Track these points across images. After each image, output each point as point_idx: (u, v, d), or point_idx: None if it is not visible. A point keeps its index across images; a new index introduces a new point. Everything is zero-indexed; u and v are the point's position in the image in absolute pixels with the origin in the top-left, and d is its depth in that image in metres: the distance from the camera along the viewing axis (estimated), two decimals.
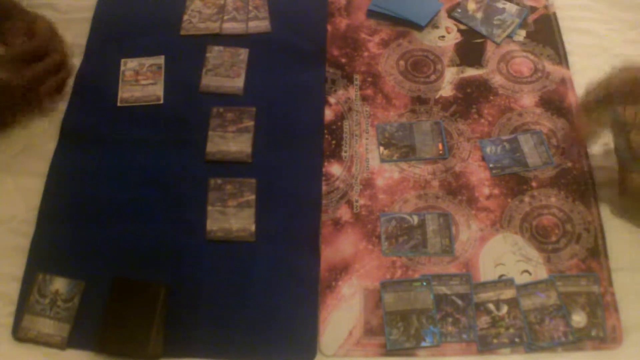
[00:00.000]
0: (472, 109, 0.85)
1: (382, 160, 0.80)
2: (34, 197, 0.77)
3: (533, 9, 0.94)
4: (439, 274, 0.72)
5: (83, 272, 0.72)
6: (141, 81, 0.86)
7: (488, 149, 0.81)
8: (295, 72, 0.88)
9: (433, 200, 0.77)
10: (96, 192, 0.78)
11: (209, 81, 0.86)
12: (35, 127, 0.83)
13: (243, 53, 0.89)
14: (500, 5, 0.94)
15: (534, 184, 0.78)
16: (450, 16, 0.94)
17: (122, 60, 0.88)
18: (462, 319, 0.69)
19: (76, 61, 0.88)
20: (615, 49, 0.89)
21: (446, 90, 0.86)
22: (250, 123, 0.82)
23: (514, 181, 0.78)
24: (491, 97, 0.85)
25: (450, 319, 0.69)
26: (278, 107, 0.84)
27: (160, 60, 0.88)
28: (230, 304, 0.70)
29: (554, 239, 0.74)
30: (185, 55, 0.89)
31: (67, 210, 0.76)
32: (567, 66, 0.88)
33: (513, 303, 0.70)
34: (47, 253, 0.73)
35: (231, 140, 0.81)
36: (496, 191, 0.78)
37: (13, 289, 0.71)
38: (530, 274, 0.72)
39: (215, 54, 0.89)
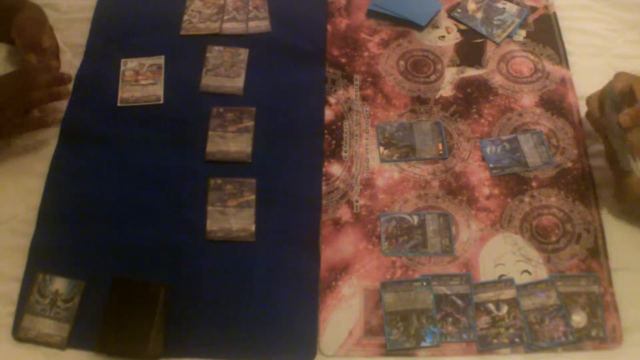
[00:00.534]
0: (472, 109, 0.84)
1: (382, 160, 0.80)
2: (34, 197, 0.77)
3: (533, 9, 0.94)
4: (439, 274, 0.72)
5: (83, 272, 0.72)
6: (141, 81, 0.86)
7: (488, 149, 0.81)
8: (295, 72, 0.88)
9: (433, 200, 0.77)
10: (96, 192, 0.78)
11: (209, 81, 0.86)
12: None
13: (243, 53, 0.89)
14: (500, 5, 0.94)
15: (534, 184, 0.78)
16: (450, 16, 0.94)
17: (122, 60, 0.88)
18: (462, 319, 0.69)
19: (76, 61, 0.88)
20: (615, 49, 0.89)
21: (446, 90, 0.86)
22: (250, 123, 0.82)
23: (514, 181, 0.78)
24: (491, 97, 0.85)
25: (450, 319, 0.69)
26: (278, 107, 0.84)
27: (160, 60, 0.88)
28: (230, 304, 0.70)
29: (554, 239, 0.74)
30: (185, 55, 0.89)
31: (67, 210, 0.76)
32: (567, 66, 0.88)
33: (513, 303, 0.70)
34: (47, 253, 0.73)
35: (231, 140, 0.81)
36: (496, 191, 0.78)
37: (13, 289, 0.71)
38: (530, 274, 0.72)
39: (215, 54, 0.89)
